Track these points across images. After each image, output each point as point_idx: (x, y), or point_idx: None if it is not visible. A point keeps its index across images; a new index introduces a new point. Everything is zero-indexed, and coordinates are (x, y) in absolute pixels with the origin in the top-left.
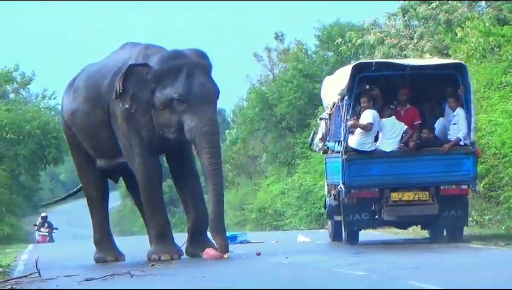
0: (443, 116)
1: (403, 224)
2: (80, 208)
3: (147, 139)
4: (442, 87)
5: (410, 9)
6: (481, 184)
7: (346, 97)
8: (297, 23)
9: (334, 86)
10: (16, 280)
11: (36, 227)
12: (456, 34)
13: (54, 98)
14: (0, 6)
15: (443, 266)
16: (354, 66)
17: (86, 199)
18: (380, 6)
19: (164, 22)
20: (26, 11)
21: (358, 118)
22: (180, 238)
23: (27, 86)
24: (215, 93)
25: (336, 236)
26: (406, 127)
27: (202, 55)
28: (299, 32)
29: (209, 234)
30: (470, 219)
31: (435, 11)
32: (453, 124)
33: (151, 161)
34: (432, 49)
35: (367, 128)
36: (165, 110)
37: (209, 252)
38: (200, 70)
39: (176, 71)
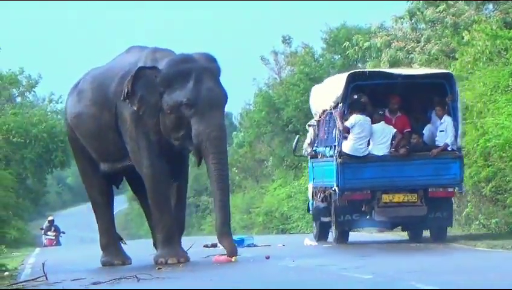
0: (429, 123)
1: (391, 225)
2: (87, 211)
3: (154, 142)
4: (430, 95)
5: (417, 12)
6: (488, 187)
7: (340, 104)
8: (304, 26)
9: (326, 94)
10: (22, 283)
11: (43, 231)
12: (463, 37)
13: (61, 102)
14: (6, 9)
15: (449, 269)
16: (348, 75)
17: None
18: (387, 9)
19: (171, 25)
20: (32, 13)
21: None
22: (185, 242)
23: (33, 89)
24: (224, 98)
25: (321, 236)
26: (395, 130)
27: (211, 59)
28: (306, 36)
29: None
30: (477, 222)
31: (442, 14)
32: (440, 131)
33: (159, 163)
34: (438, 52)
35: (344, 130)
36: (172, 114)
37: (218, 257)
38: (208, 74)
39: (184, 75)
